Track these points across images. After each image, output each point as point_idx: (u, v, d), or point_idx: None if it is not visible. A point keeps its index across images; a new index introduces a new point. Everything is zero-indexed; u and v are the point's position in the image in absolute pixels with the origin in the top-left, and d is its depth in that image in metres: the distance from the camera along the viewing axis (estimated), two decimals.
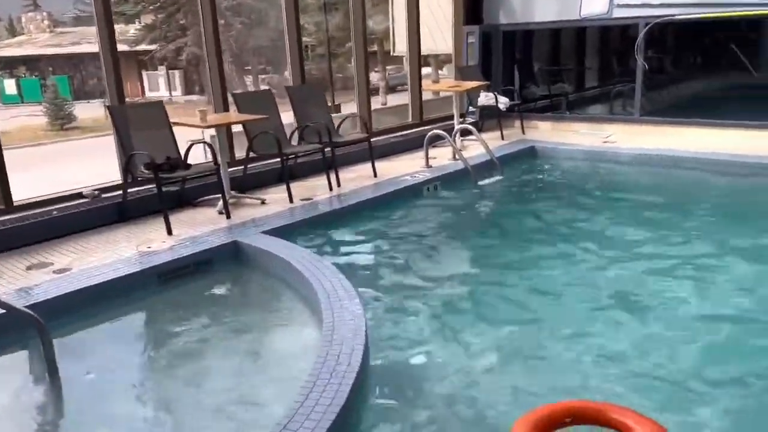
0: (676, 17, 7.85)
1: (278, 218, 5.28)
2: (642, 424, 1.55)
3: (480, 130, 7.84)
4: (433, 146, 7.28)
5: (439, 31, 10.21)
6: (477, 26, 9.34)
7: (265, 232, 4.90)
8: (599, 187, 6.83)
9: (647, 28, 8.07)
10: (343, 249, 4.96)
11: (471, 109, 8.95)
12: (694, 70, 12.64)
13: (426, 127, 8.51)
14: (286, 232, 4.97)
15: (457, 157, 7.00)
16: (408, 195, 6.13)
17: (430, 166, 6.93)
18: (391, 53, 13.94)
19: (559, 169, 7.53)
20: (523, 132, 8.88)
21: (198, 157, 5.94)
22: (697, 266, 4.30)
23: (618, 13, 8.33)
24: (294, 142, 6.48)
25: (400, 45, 13.26)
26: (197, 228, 5.08)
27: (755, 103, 9.53)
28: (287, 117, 6.57)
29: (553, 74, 11.01)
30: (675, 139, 7.83)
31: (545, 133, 8.99)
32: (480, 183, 6.60)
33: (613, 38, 11.42)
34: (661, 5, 7.93)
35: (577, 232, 5.24)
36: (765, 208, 5.72)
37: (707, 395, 2.88)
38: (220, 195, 5.45)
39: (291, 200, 5.78)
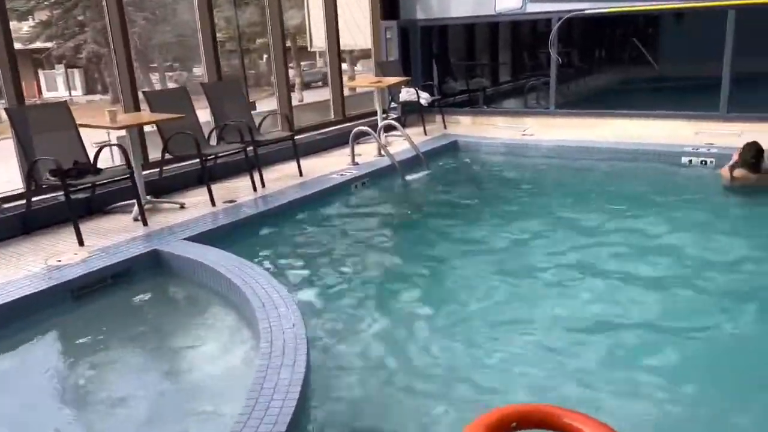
0: (587, 12, 8.09)
1: (200, 223, 4.99)
2: (595, 428, 1.50)
3: (403, 126, 7.78)
4: (358, 143, 7.16)
5: (357, 26, 10.08)
6: (395, 21, 9.29)
7: (187, 239, 4.61)
8: (520, 179, 6.93)
9: (560, 22, 8.28)
10: (273, 253, 4.74)
11: (393, 104, 8.89)
12: (600, 64, 13.19)
13: (349, 124, 8.40)
14: (211, 237, 4.70)
15: (383, 153, 6.91)
16: (336, 193, 5.98)
17: (357, 164, 6.80)
18: (309, 49, 13.71)
19: (482, 162, 7.59)
20: (445, 127, 8.92)
21: (107, 161, 5.54)
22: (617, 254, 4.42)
23: (531, 8, 8.50)
24: (212, 141, 6.18)
25: (318, 40, 13.01)
26: (112, 237, 4.72)
27: (658, 94, 10.07)
28: (203, 115, 6.26)
29: (470, 69, 11.15)
30: (588, 130, 8.09)
31: (466, 127, 9.08)
32: (407, 178, 6.55)
33: (526, 33, 11.72)
34: (572, 0, 8.15)
35: (504, 223, 5.28)
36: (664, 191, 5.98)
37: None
38: (134, 201, 5.10)
39: (213, 203, 5.49)
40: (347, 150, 7.01)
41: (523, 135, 8.22)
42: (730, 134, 7.14)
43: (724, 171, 5.86)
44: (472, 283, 4.14)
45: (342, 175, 6.34)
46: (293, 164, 6.54)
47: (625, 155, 7.02)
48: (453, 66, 10.33)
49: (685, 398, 2.86)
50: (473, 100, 10.07)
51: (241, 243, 4.78)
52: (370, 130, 6.79)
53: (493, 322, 3.61)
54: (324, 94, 8.95)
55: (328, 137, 8.01)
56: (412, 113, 8.91)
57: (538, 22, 9.76)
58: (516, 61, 12.15)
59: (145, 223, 4.99)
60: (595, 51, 13.44)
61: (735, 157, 5.83)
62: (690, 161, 6.60)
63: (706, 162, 6.50)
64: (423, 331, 3.53)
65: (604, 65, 13.27)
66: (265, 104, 10.07)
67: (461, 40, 11.29)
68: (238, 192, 5.91)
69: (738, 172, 5.79)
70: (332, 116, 8.66)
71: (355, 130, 6.78)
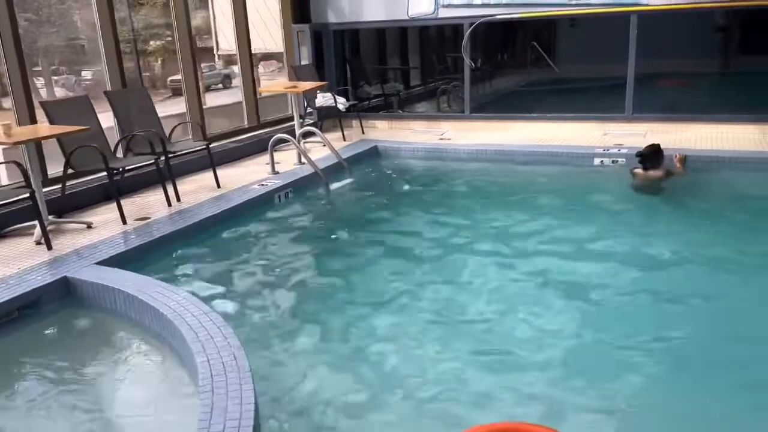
0: (498, 17, 8.23)
1: (112, 244, 4.57)
2: None
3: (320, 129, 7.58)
4: (275, 150, 6.89)
5: (266, 29, 9.77)
6: (307, 25, 9.07)
7: (99, 263, 4.21)
8: (442, 184, 6.92)
9: (472, 27, 8.38)
10: (197, 274, 4.41)
11: (309, 110, 8.67)
12: (502, 68, 13.53)
13: (265, 131, 8.10)
14: (124, 260, 4.33)
15: (303, 161, 6.69)
16: (259, 205, 5.69)
17: (277, 173, 6.53)
18: (215, 52, 13.18)
19: (404, 168, 7.53)
20: (363, 132, 8.81)
21: None
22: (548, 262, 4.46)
23: (444, 13, 8.55)
24: (119, 154, 5.73)
25: (225, 43, 12.54)
26: (12, 264, 4.23)
27: (560, 96, 10.45)
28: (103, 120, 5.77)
29: (385, 73, 11.12)
30: (503, 133, 8.24)
31: (383, 132, 9.00)
32: (332, 187, 6.37)
33: (438, 37, 11.83)
34: (483, 5, 8.28)
35: (431, 230, 5.22)
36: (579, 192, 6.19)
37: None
38: (36, 222, 4.61)
39: (124, 221, 5.07)
40: (265, 158, 6.74)
41: (441, 139, 8.25)
42: (636, 134, 7.50)
43: (638, 172, 6.13)
44: (405, 293, 4.04)
45: (263, 185, 6.06)
46: (209, 175, 6.19)
47: (541, 157, 7.19)
48: (367, 70, 10.24)
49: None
50: (388, 104, 10.02)
51: (159, 264, 4.43)
52: (290, 137, 6.55)
53: (422, 331, 3.56)
54: (224, 97, 8.56)
55: (243, 145, 7.67)
56: (328, 119, 8.73)
57: (447, 26, 9.87)
58: (427, 64, 12.25)
59: (49, 247, 4.51)
60: (498, 55, 13.79)
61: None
62: (602, 162, 6.84)
63: (617, 162, 6.75)
64: (358, 343, 3.43)
65: (506, 69, 13.65)
66: (163, 108, 9.52)
67: (375, 44, 11.24)
68: (151, 208, 5.50)
69: (640, 172, 6.09)
70: (246, 123, 8.31)
71: (276, 137, 6.52)
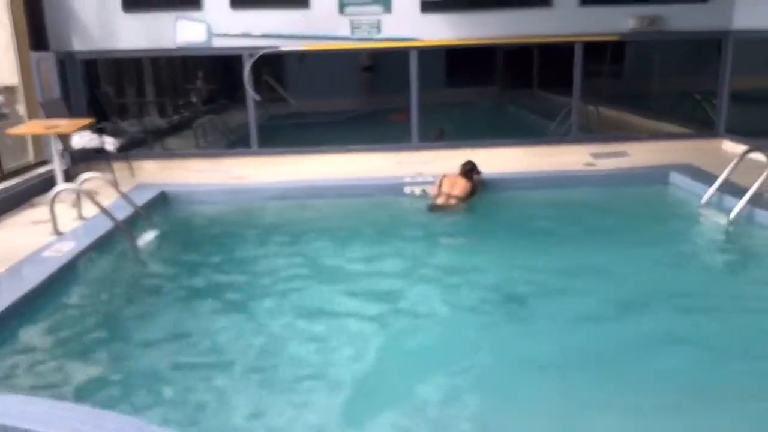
0: (282, 49, 7.90)
1: None
2: None
3: (74, 177, 6.21)
4: (31, 205, 5.51)
5: None
6: (51, 53, 7.54)
7: None
8: (251, 227, 6.25)
9: (253, 59, 7.90)
10: None
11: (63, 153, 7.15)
12: (240, 100, 12.76)
13: (10, 182, 6.49)
14: None
15: (79, 215, 5.44)
16: (58, 278, 4.41)
17: (61, 233, 5.19)
18: None
19: (204, 213, 6.67)
20: (133, 174, 7.62)
21: None
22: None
23: (218, 42, 7.90)
24: None
25: None
26: None
27: (308, 130, 10.41)
28: None
29: (147, 107, 9.84)
30: (295, 168, 7.91)
31: (156, 173, 7.89)
32: (138, 244, 5.28)
33: (207, 68, 10.78)
34: (263, 36, 7.87)
35: (253, 282, 4.79)
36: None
37: None
38: None
39: None
40: (32, 216, 5.33)
41: (232, 178, 7.56)
42: (426, 162, 7.85)
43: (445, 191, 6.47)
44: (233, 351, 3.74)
45: (55, 252, 4.73)
46: None
47: (350, 191, 7.02)
48: (129, 104, 8.95)
49: None
50: (153, 142, 8.86)
51: None
52: (75, 186, 5.28)
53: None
54: None
55: None
56: (84, 162, 7.33)
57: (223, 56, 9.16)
58: (182, 96, 11.16)
59: None
60: (237, 87, 13.09)
61: (435, 190, 6.56)
62: (412, 191, 6.97)
63: (426, 191, 6.94)
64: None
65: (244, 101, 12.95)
66: None
67: (139, 74, 9.88)
68: None
69: (441, 200, 6.43)
70: None
71: (57, 189, 5.18)
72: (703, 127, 8.53)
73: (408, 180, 7.07)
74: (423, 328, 4.06)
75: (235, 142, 8.97)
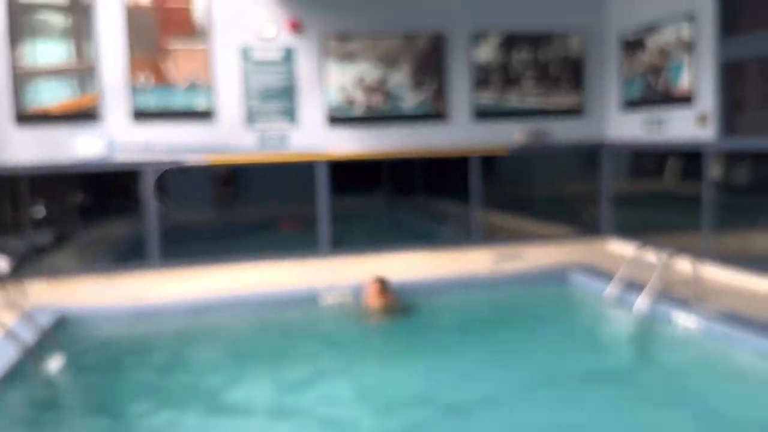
0: (188, 163, 7.84)
1: None
2: None
3: None
4: None
5: None
6: None
7: None
8: (163, 352, 5.84)
9: (159, 174, 7.76)
10: None
11: None
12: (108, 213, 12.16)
13: None
14: None
15: None
16: None
17: None
18: None
19: (114, 338, 6.16)
20: (25, 298, 6.99)
21: None
22: None
23: (120, 157, 7.72)
24: None
25: None
26: None
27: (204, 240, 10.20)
28: None
29: (31, 221, 9.16)
30: (201, 282, 7.63)
31: (44, 294, 7.29)
32: (48, 373, 4.80)
33: (87, 180, 10.23)
34: (167, 151, 7.79)
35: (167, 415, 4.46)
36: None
37: None
38: None
39: None
40: None
41: (133, 296, 7.15)
42: (333, 271, 7.91)
43: (369, 301, 6.48)
44: None
45: None
46: None
47: (267, 305, 6.85)
48: (9, 219, 8.30)
49: None
50: (37, 259, 8.22)
51: None
52: None
53: None
54: None
55: None
56: None
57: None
58: (66, 209, 10.53)
59: None
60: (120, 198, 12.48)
61: (369, 290, 6.54)
62: (325, 300, 6.93)
63: (342, 299, 6.94)
64: None
65: (112, 214, 12.29)
66: None
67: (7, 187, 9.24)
68: None
69: (372, 302, 6.50)
70: None
71: None
72: (588, 228, 9.31)
73: (324, 289, 7.05)
74: None
75: (127, 255, 8.55)
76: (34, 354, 5.08)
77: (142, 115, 7.72)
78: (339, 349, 5.75)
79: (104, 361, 5.66)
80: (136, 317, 6.58)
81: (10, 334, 5.00)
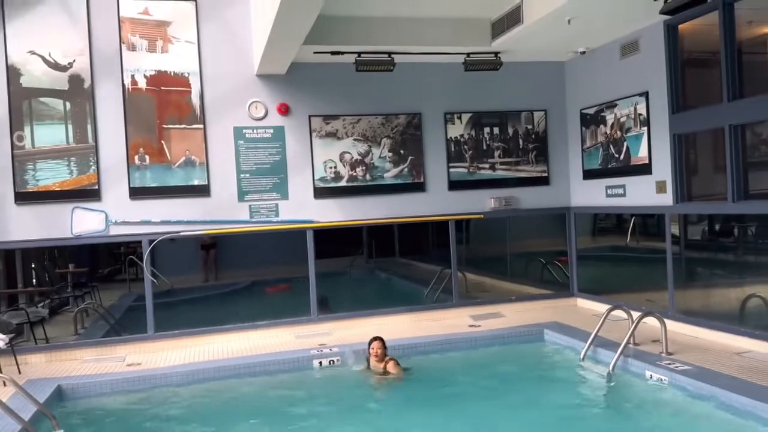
0: (181, 234, 8.21)
1: None
2: None
3: None
4: None
5: None
6: None
7: None
8: (161, 418, 6.06)
9: (152, 244, 8.10)
10: None
11: None
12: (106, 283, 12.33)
13: None
14: None
15: None
16: None
17: None
18: None
19: (107, 406, 6.38)
20: (19, 371, 7.16)
21: None
22: None
23: (116, 230, 8.06)
24: None
25: None
26: None
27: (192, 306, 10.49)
28: None
29: (22, 296, 9.31)
30: (192, 350, 7.93)
31: (42, 367, 7.47)
32: None
33: (74, 251, 10.43)
34: (162, 222, 8.16)
35: None
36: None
37: None
38: None
39: None
40: None
41: (128, 366, 7.37)
42: (324, 334, 8.27)
43: (374, 361, 6.80)
44: None
45: None
46: None
47: (262, 368, 7.15)
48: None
49: None
50: (31, 333, 8.37)
51: None
52: None
53: None
54: None
55: None
56: None
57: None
58: (56, 282, 10.68)
59: None
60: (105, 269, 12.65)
61: (371, 351, 6.88)
62: (321, 363, 7.27)
63: (334, 361, 7.28)
64: None
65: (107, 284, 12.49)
66: None
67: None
68: None
69: (374, 365, 6.83)
70: None
71: None
72: (558, 287, 9.88)
73: (315, 352, 7.39)
74: None
75: (118, 326, 8.80)
76: (33, 426, 5.29)
77: (139, 192, 8.10)
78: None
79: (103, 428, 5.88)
80: (130, 385, 6.80)
81: (8, 408, 5.17)
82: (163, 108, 8.21)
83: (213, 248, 12.32)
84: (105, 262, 12.21)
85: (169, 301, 10.57)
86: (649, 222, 8.46)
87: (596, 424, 5.64)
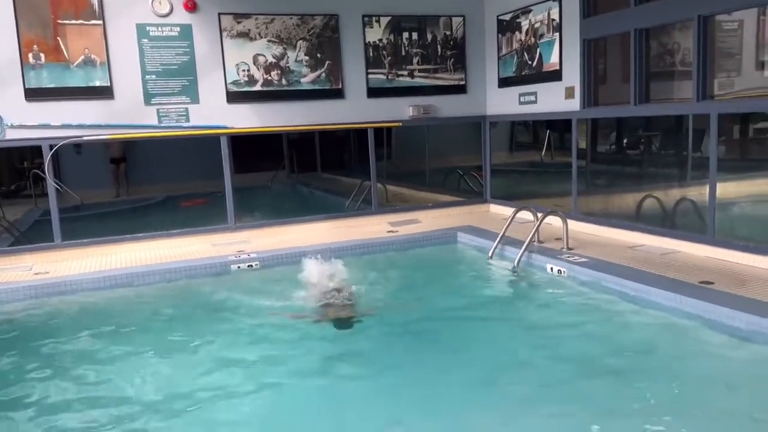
0: (85, 138, 7.80)
1: None
2: None
3: None
4: None
5: None
6: None
7: None
8: (77, 328, 5.91)
9: (54, 149, 7.67)
10: None
11: None
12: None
13: None
14: None
15: None
16: None
17: None
18: None
19: (7, 317, 6.15)
20: None
21: None
22: None
23: (13, 134, 7.56)
24: None
25: None
26: None
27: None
28: None
29: None
30: (106, 258, 7.74)
31: None
32: None
33: None
34: (63, 126, 7.71)
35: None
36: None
37: None
38: None
39: None
40: None
41: (36, 274, 7.12)
42: (242, 242, 8.24)
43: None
44: None
45: None
46: None
47: (180, 274, 7.08)
48: None
49: None
50: None
51: None
52: None
53: None
54: None
55: None
56: None
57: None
58: None
59: None
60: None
61: None
62: (239, 267, 7.27)
63: (252, 266, 7.30)
64: None
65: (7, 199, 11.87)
66: None
67: None
68: None
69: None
70: None
71: None
72: (473, 195, 10.18)
73: (233, 258, 7.37)
74: None
75: (23, 238, 8.45)
76: None
77: (36, 94, 7.57)
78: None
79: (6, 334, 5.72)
80: (43, 291, 6.60)
81: None
82: (58, 1, 7.57)
83: (123, 162, 11.83)
84: (9, 179, 11.55)
85: (78, 215, 10.20)
86: (566, 137, 8.74)
87: (500, 307, 6.10)
